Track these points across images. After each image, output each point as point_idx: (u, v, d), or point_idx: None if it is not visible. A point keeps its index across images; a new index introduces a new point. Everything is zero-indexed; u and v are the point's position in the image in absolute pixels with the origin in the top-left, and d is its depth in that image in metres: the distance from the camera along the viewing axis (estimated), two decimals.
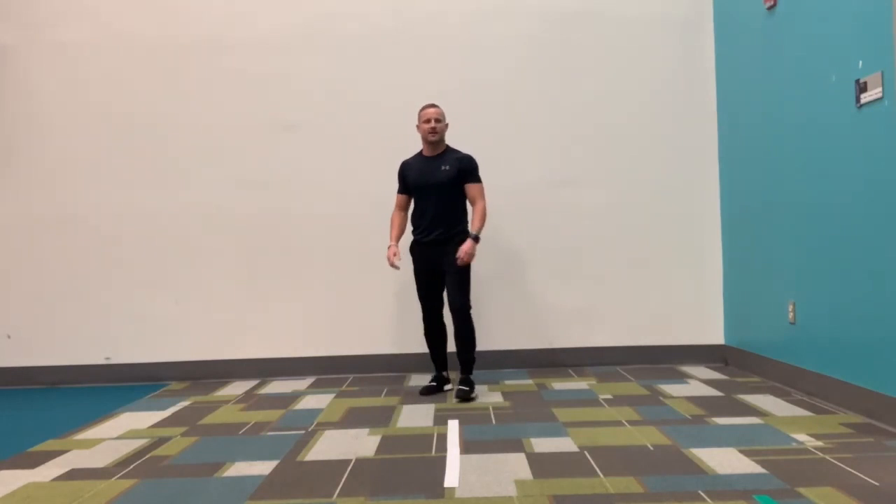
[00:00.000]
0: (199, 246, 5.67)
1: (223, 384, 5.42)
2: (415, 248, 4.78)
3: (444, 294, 4.72)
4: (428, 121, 4.68)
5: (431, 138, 4.68)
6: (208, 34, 5.71)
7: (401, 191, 4.86)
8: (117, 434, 4.00)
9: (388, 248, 4.75)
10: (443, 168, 4.67)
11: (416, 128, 4.80)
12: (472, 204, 4.74)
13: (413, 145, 4.96)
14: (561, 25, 5.68)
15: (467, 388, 4.57)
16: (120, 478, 3.19)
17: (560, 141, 5.66)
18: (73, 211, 5.68)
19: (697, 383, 4.88)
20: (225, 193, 5.67)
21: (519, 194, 5.62)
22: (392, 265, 4.70)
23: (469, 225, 4.71)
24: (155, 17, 5.71)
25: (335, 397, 4.81)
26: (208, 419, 4.29)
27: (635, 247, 5.64)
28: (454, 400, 4.54)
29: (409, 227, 4.87)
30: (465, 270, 4.60)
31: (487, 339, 5.52)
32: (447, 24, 5.69)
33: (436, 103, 4.81)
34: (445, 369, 4.90)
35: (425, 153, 4.78)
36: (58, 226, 5.68)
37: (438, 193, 4.66)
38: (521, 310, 5.63)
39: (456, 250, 4.58)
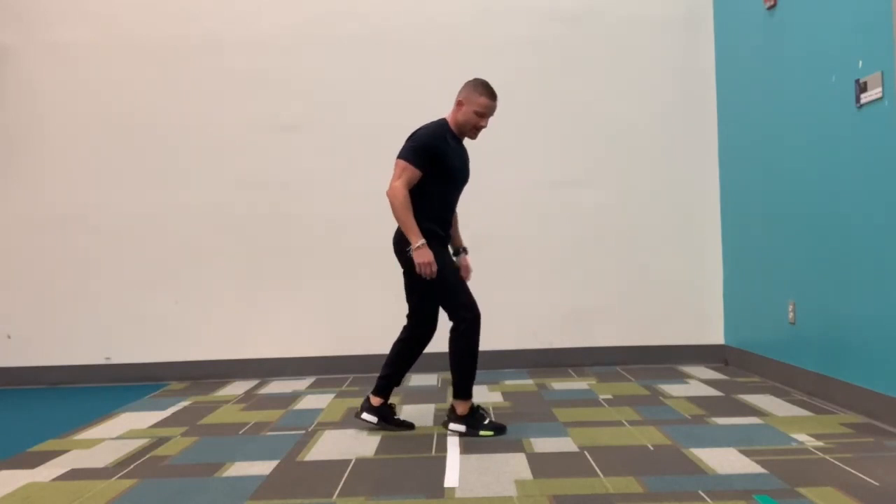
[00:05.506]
0: (199, 246, 5.67)
1: (223, 384, 5.42)
2: (442, 242, 3.78)
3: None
4: (483, 115, 3.69)
5: (473, 137, 3.80)
6: (208, 34, 5.71)
7: (422, 167, 3.63)
8: (117, 434, 4.00)
9: (423, 245, 3.57)
10: (467, 159, 3.89)
11: (456, 104, 3.73)
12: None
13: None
14: (561, 26, 5.68)
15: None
16: (120, 478, 3.19)
17: (560, 141, 5.66)
18: (73, 211, 5.68)
19: (697, 383, 4.88)
20: (225, 193, 5.66)
21: (519, 194, 5.63)
22: (433, 273, 3.59)
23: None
24: (155, 17, 5.71)
25: (335, 397, 4.81)
26: (208, 419, 4.29)
27: (635, 247, 5.65)
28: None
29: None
30: None
31: (487, 339, 5.48)
32: (447, 24, 5.69)
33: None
34: None
35: (456, 134, 3.78)
36: (58, 226, 5.68)
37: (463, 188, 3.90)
38: (521, 310, 5.63)
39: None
